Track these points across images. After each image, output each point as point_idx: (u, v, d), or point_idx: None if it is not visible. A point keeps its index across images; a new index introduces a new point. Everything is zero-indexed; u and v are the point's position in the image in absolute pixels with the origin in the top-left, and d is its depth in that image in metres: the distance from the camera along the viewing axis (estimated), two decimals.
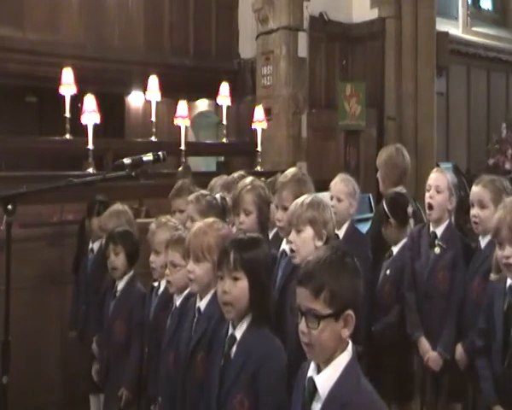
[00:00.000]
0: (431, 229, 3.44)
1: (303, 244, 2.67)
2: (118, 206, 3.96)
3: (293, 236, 2.72)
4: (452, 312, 3.29)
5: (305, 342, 1.84)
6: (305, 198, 2.79)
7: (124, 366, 3.42)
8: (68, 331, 4.28)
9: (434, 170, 3.58)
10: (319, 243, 2.66)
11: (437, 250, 3.37)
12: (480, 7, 10.72)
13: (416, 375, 3.45)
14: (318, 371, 1.86)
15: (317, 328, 1.81)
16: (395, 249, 3.62)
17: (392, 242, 3.63)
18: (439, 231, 3.40)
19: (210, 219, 2.71)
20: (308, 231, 2.70)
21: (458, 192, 3.50)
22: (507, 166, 9.04)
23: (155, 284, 3.33)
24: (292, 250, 2.73)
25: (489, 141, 9.72)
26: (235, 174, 4.00)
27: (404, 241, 3.58)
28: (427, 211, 3.44)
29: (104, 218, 3.91)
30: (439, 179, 3.43)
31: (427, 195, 3.44)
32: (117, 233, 3.60)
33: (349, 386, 1.81)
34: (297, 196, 2.97)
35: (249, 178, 3.40)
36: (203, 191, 3.69)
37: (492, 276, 2.86)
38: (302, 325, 1.84)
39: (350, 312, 1.82)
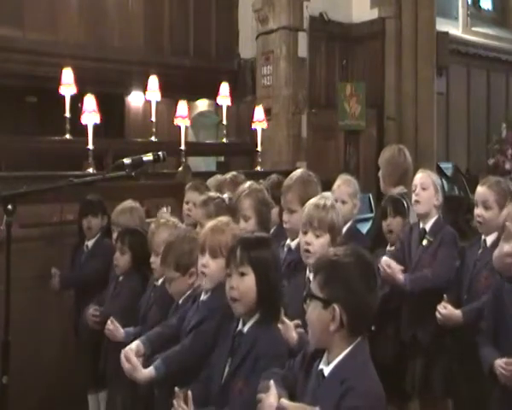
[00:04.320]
0: (421, 226, 3.55)
1: (320, 249, 2.67)
2: (130, 202, 3.98)
3: (310, 238, 2.73)
4: (429, 271, 3.34)
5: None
6: (326, 200, 2.80)
7: None
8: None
9: (419, 171, 3.71)
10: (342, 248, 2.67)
11: (425, 242, 3.48)
12: (479, 7, 10.73)
13: (409, 373, 3.46)
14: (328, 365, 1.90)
15: (307, 304, 1.92)
16: (392, 249, 3.66)
17: (395, 238, 3.66)
18: (428, 226, 3.52)
19: (225, 219, 2.72)
20: (326, 237, 2.73)
21: (457, 191, 3.57)
22: (507, 166, 9.06)
23: (157, 283, 3.34)
24: (307, 251, 2.74)
25: (489, 141, 9.73)
26: (228, 175, 4.01)
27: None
28: (415, 206, 3.56)
29: (116, 213, 3.92)
30: (423, 178, 3.59)
31: (413, 194, 3.58)
32: (128, 233, 3.60)
33: (352, 366, 1.84)
34: (302, 198, 2.98)
35: (248, 183, 3.41)
36: (211, 194, 3.68)
37: None
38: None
39: (336, 306, 1.84)
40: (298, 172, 3.24)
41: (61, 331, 4.40)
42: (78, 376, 4.16)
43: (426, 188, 3.53)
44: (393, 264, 3.35)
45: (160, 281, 3.26)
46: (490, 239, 3.21)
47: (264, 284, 2.28)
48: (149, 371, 2.49)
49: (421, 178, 3.58)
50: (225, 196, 3.65)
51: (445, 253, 3.39)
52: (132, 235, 3.59)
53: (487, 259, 3.15)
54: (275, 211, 3.48)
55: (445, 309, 3.14)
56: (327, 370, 1.88)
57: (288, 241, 3.08)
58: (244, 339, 2.27)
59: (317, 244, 2.71)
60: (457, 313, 3.13)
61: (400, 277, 3.33)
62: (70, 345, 4.31)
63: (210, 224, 2.68)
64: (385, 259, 3.37)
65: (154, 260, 3.27)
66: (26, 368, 3.95)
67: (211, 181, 4.22)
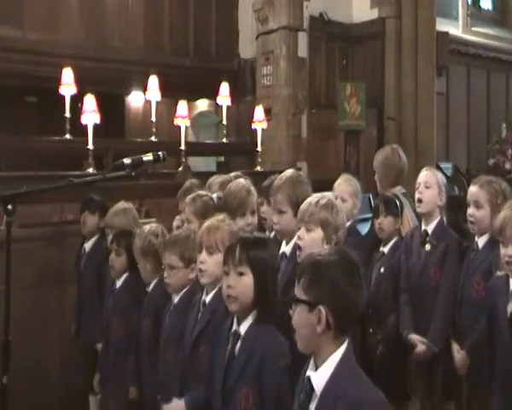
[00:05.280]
0: (422, 227, 3.49)
1: (311, 243, 2.64)
2: (123, 203, 3.98)
3: (302, 232, 2.72)
4: (440, 305, 3.31)
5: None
6: (321, 198, 2.78)
7: (123, 365, 3.41)
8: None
9: (424, 169, 3.64)
10: (327, 247, 2.63)
11: (428, 247, 3.41)
12: (480, 7, 10.73)
13: (411, 375, 3.45)
14: (316, 370, 1.85)
15: (293, 310, 1.88)
16: (386, 249, 3.66)
17: (386, 236, 3.66)
18: (430, 228, 3.45)
19: (220, 216, 2.73)
20: (318, 232, 2.69)
21: (457, 191, 3.53)
22: (507, 166, 9.05)
23: (148, 288, 3.36)
24: (299, 247, 2.72)
25: (489, 141, 9.73)
26: (232, 174, 4.00)
27: (394, 240, 3.65)
28: (417, 205, 3.50)
29: (110, 215, 3.92)
30: (427, 176, 3.52)
31: (416, 192, 3.51)
32: (124, 235, 3.60)
33: (344, 379, 1.80)
34: (291, 199, 2.96)
35: (243, 180, 3.41)
36: (201, 192, 3.68)
37: (498, 273, 2.87)
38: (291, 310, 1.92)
39: (321, 307, 1.81)
40: (288, 173, 3.17)
41: (60, 331, 4.40)
42: (78, 376, 4.16)
43: (429, 187, 3.45)
44: (419, 347, 3.32)
45: (152, 285, 3.29)
46: (481, 241, 3.18)
47: (262, 284, 2.28)
48: (180, 404, 2.57)
49: (426, 176, 3.51)
50: (214, 195, 3.65)
51: (448, 272, 3.33)
52: (128, 236, 3.58)
53: (479, 262, 3.16)
54: None
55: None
56: (314, 377, 1.83)
57: (283, 247, 2.98)
58: (243, 343, 2.26)
59: (307, 238, 2.68)
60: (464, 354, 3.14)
61: (426, 345, 3.30)
62: (70, 345, 4.31)
63: (206, 223, 2.70)
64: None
65: (139, 267, 3.34)
66: (26, 368, 3.95)
67: (214, 179, 4.22)
